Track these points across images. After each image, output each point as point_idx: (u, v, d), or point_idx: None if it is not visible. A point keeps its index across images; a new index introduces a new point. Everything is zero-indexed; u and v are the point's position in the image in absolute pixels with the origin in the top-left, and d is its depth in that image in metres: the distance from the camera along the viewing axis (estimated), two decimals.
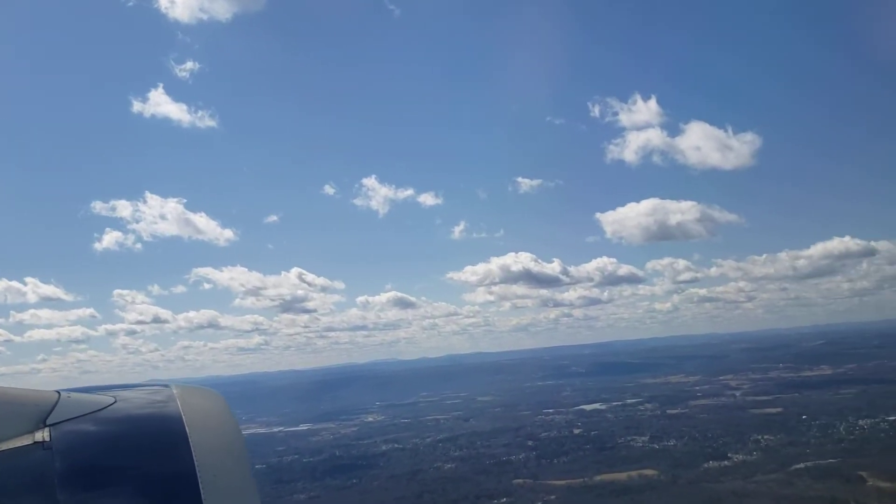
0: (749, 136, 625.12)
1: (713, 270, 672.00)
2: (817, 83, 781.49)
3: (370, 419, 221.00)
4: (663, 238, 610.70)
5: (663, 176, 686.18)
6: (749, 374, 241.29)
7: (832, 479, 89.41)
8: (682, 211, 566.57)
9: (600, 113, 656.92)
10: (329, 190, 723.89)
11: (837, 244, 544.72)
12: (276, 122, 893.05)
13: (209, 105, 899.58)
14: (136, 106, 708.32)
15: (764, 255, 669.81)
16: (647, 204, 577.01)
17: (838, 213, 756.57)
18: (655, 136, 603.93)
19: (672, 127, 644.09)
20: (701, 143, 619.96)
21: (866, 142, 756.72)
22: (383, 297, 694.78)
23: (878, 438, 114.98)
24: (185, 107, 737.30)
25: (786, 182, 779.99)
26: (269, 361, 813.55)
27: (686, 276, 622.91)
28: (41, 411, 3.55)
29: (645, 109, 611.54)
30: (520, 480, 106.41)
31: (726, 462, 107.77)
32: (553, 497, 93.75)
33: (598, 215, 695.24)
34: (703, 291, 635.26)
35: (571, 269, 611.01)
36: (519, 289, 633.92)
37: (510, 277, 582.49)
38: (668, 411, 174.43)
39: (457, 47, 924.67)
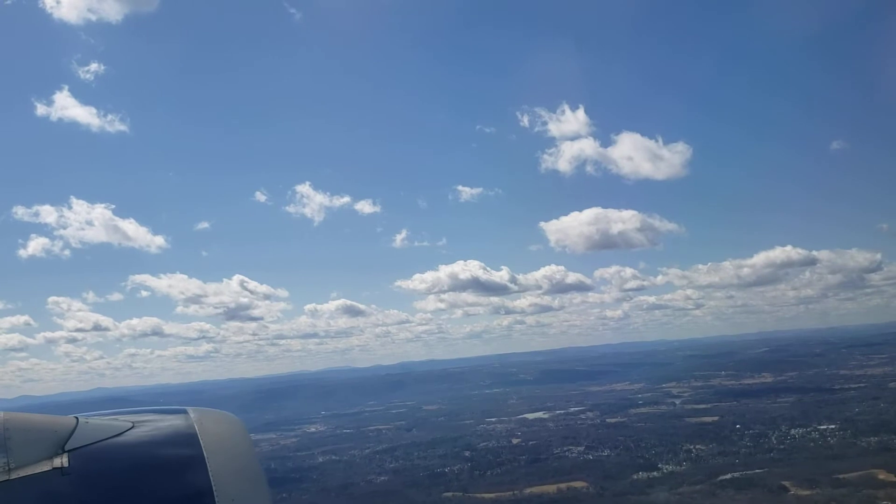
0: (680, 147, 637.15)
1: (659, 279, 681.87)
2: (746, 94, 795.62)
3: (312, 429, 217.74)
4: (606, 247, 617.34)
5: (597, 186, 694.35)
6: (691, 382, 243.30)
7: (755, 490, 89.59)
8: (624, 220, 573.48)
9: (529, 123, 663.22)
10: (260, 197, 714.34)
11: (780, 253, 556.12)
12: (195, 127, 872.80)
13: (119, 108, 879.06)
14: (41, 109, 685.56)
15: (708, 264, 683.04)
16: (590, 213, 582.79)
17: (777, 224, 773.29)
18: (588, 147, 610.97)
19: (603, 137, 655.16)
20: (632, 153, 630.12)
21: (799, 154, 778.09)
22: (332, 304, 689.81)
23: (806, 448, 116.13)
24: (93, 110, 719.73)
25: (721, 192, 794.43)
26: (220, 369, 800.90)
27: (633, 283, 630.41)
28: (60, 437, 3.61)
29: (573, 119, 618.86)
30: (450, 493, 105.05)
31: (655, 473, 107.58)
32: None
33: (541, 224, 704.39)
34: (652, 299, 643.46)
35: (520, 276, 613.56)
36: (468, 297, 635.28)
37: (459, 285, 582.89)
38: (608, 420, 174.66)
39: (380, 54, 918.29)
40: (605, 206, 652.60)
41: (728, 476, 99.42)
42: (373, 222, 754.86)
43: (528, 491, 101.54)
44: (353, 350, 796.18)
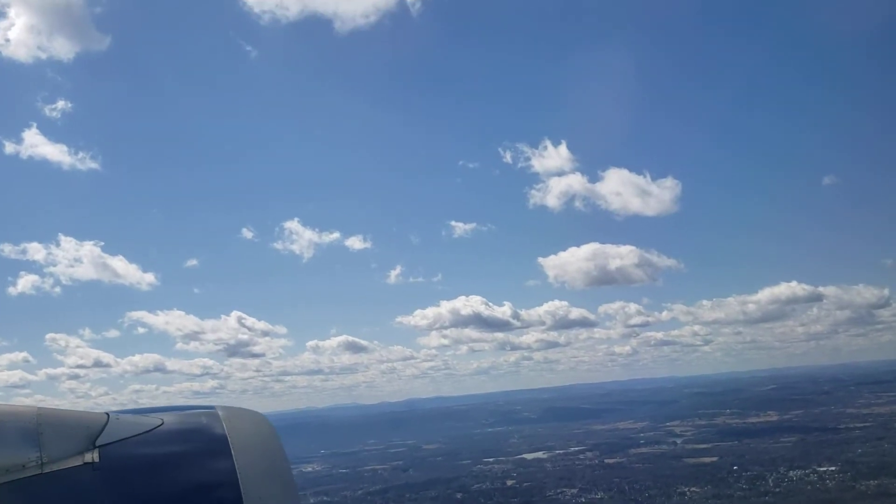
0: (669, 182, 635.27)
1: (664, 314, 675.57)
2: (735, 129, 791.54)
3: (309, 469, 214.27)
4: (605, 282, 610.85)
5: (588, 222, 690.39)
6: (695, 421, 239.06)
7: None
8: (622, 255, 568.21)
9: (512, 158, 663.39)
10: (247, 234, 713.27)
11: (785, 289, 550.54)
12: (169, 166, 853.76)
13: (90, 146, 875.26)
14: (10, 147, 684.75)
15: (713, 300, 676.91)
16: (588, 248, 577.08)
17: (779, 260, 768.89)
18: (576, 182, 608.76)
19: (590, 173, 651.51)
20: (621, 189, 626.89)
21: (795, 189, 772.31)
22: (334, 341, 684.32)
23: (803, 491, 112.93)
24: (64, 147, 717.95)
25: (716, 228, 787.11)
26: (226, 405, 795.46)
27: (638, 319, 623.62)
28: (91, 433, 3.71)
29: (556, 155, 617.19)
30: None
31: None
32: None
33: (539, 259, 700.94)
34: (659, 335, 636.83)
35: (522, 312, 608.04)
36: (472, 332, 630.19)
37: (461, 321, 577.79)
38: (607, 460, 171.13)
39: (354, 90, 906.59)
40: (600, 242, 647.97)
41: None
42: (365, 258, 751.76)
43: None
44: (360, 387, 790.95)
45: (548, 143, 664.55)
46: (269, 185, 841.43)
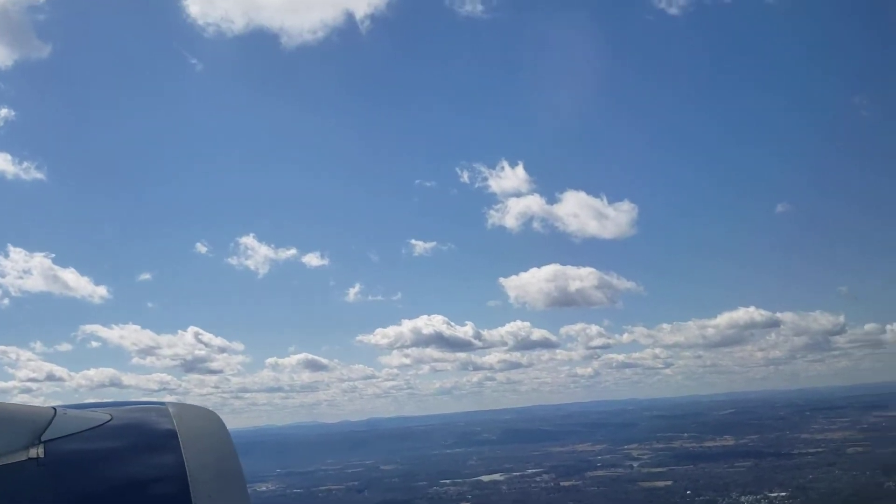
0: (625, 206, 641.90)
1: (625, 337, 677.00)
2: (691, 152, 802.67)
3: (263, 488, 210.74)
4: (566, 304, 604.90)
5: (546, 243, 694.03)
6: (653, 444, 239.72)
7: None
8: (582, 277, 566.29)
9: (469, 178, 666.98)
10: (201, 248, 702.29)
11: (743, 314, 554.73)
12: (116, 178, 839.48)
13: (35, 156, 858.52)
14: None
15: (672, 324, 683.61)
16: (549, 270, 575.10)
17: (736, 285, 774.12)
18: (534, 204, 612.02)
19: (548, 195, 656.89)
20: (578, 211, 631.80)
21: (748, 216, 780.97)
22: (293, 358, 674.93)
23: None
24: (8, 156, 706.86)
25: (673, 252, 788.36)
26: None
27: (599, 341, 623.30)
28: (37, 427, 3.54)
29: (513, 176, 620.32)
30: None
31: None
32: None
33: (501, 280, 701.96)
34: (621, 357, 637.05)
35: (484, 332, 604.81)
36: (433, 352, 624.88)
37: (422, 340, 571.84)
38: (563, 483, 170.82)
39: (305, 104, 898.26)
40: (561, 263, 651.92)
41: None
42: (322, 275, 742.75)
43: None
44: (321, 405, 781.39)
45: (505, 163, 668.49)
46: (224, 199, 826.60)
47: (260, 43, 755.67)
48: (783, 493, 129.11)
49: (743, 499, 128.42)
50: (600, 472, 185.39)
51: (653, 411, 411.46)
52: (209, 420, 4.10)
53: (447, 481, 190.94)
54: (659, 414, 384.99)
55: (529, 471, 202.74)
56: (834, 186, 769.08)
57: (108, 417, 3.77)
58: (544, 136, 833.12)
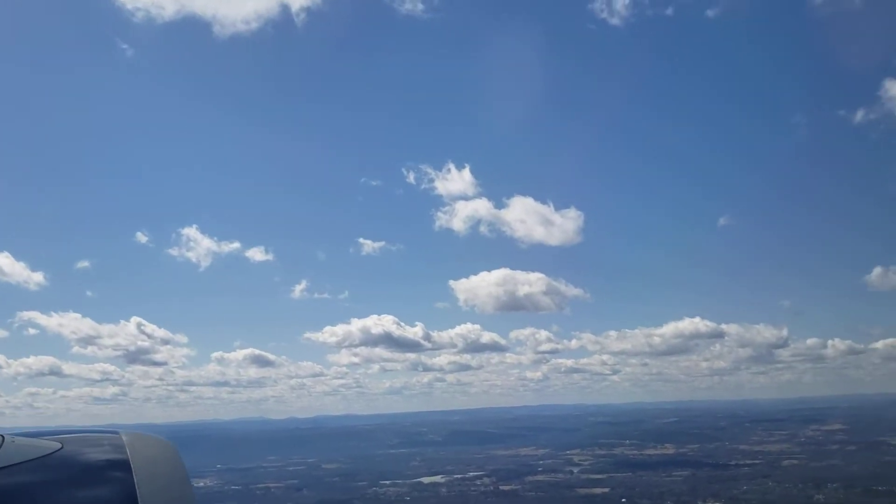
0: (572, 213, 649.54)
1: (573, 343, 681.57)
2: (640, 160, 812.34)
3: (201, 484, 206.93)
4: (514, 308, 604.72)
5: (493, 247, 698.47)
6: (595, 450, 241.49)
7: None
8: (531, 283, 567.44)
9: (416, 179, 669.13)
10: (141, 238, 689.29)
11: (688, 324, 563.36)
12: (54, 162, 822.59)
13: None
14: None
15: (619, 331, 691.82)
16: (498, 274, 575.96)
17: (682, 296, 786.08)
18: (481, 207, 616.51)
19: (496, 199, 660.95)
20: (525, 216, 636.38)
21: (693, 227, 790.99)
22: (239, 353, 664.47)
23: None
24: None
25: (620, 260, 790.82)
26: (129, 413, 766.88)
27: (547, 346, 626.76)
28: None
29: (459, 178, 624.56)
30: None
31: None
32: None
33: (451, 283, 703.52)
34: (569, 362, 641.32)
35: (434, 334, 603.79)
36: (382, 352, 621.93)
37: (371, 340, 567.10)
38: (502, 487, 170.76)
39: (247, 94, 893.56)
40: (511, 268, 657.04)
41: None
42: (267, 271, 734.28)
43: None
44: (268, 401, 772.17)
45: (451, 166, 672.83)
46: (166, 189, 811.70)
47: (192, 30, 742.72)
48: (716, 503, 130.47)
49: None
50: (540, 477, 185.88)
51: (598, 417, 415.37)
52: (163, 449, 4.01)
53: (387, 482, 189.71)
54: (604, 420, 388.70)
55: (471, 473, 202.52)
56: (776, 201, 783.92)
57: (59, 446, 3.63)
58: (491, 141, 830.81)
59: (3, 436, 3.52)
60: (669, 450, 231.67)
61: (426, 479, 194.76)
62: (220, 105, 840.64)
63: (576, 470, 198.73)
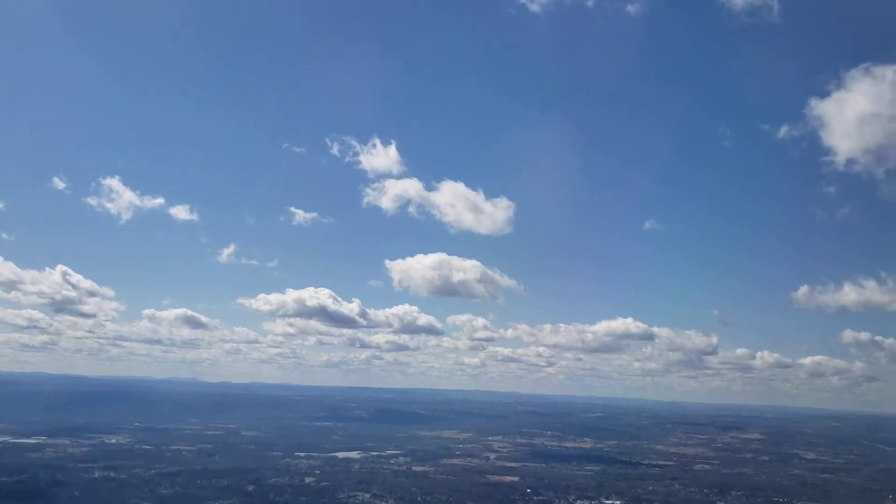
0: (503, 202, 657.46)
1: (509, 332, 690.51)
2: (569, 156, 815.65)
3: (112, 440, 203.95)
4: (449, 293, 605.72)
5: (421, 229, 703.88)
6: (516, 438, 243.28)
7: None
8: (466, 269, 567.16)
9: (340, 151, 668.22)
10: (58, 183, 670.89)
11: (620, 324, 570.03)
12: None
13: None
14: None
15: (556, 325, 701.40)
16: (435, 258, 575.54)
17: (615, 295, 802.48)
18: (411, 188, 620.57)
19: (425, 181, 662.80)
20: (455, 202, 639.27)
21: (626, 226, 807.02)
22: (171, 312, 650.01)
23: None
24: None
25: (552, 255, 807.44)
26: (59, 363, 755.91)
27: (483, 334, 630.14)
28: None
29: (385, 155, 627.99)
30: None
31: None
32: None
33: (386, 262, 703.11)
34: (507, 351, 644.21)
35: (370, 311, 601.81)
36: (317, 325, 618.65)
37: (306, 312, 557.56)
38: (415, 468, 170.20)
39: (168, 55, 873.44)
40: (438, 252, 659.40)
41: None
42: (193, 231, 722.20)
43: None
44: (203, 363, 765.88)
45: (377, 141, 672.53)
46: (86, 134, 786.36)
47: None
48: (617, 501, 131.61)
49: (578, 503, 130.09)
50: (455, 461, 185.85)
51: (528, 406, 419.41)
52: None
53: (302, 454, 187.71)
54: (532, 410, 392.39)
55: (388, 452, 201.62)
56: (700, 210, 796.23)
57: None
58: (419, 121, 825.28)
59: None
60: (587, 444, 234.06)
61: (341, 454, 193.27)
62: (145, 63, 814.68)
63: (492, 456, 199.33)
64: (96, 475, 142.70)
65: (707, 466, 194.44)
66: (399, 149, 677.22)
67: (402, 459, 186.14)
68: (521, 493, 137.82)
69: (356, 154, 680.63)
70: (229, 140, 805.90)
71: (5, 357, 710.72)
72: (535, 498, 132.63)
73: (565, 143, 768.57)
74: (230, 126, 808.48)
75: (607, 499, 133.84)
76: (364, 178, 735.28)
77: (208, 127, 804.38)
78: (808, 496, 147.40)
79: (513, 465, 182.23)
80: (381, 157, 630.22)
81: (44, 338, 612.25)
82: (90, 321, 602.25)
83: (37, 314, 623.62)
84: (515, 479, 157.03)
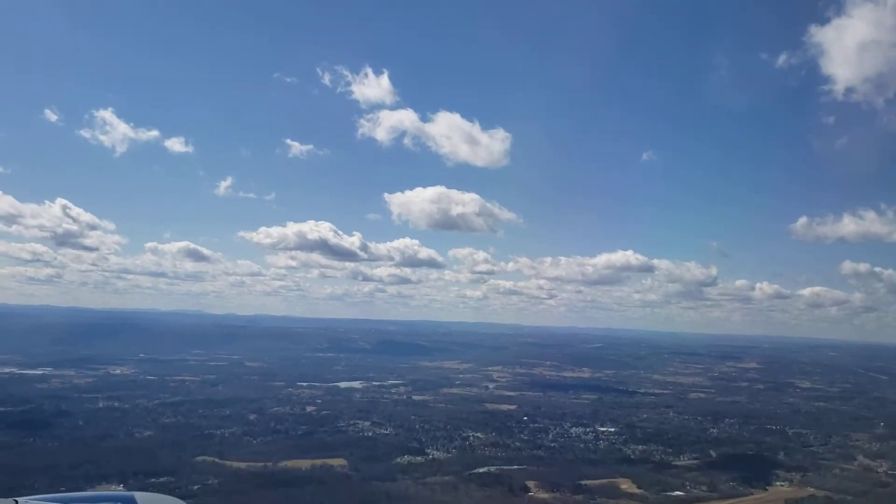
0: (500, 133, 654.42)
1: (510, 266, 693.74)
2: (565, 88, 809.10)
3: (117, 371, 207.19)
4: (448, 227, 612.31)
5: (418, 162, 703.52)
6: (515, 369, 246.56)
7: (496, 488, 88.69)
8: (465, 203, 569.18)
9: (331, 81, 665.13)
10: (50, 115, 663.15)
11: (620, 257, 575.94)
12: None
13: None
14: None
15: (556, 258, 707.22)
16: (433, 191, 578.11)
17: (614, 228, 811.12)
18: (406, 119, 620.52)
19: (420, 112, 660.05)
20: (451, 133, 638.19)
21: (623, 157, 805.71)
22: (174, 245, 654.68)
23: (574, 448, 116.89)
24: None
25: (550, 187, 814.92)
26: (66, 296, 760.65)
27: (484, 267, 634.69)
28: None
29: (377, 85, 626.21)
30: (202, 458, 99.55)
31: (418, 458, 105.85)
32: (217, 481, 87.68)
33: (385, 195, 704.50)
34: (508, 284, 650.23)
35: (371, 245, 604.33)
36: (318, 258, 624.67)
37: (307, 245, 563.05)
38: (415, 397, 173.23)
39: None
40: (437, 185, 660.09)
41: (483, 469, 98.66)
42: (188, 164, 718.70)
43: (281, 464, 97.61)
44: (208, 296, 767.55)
45: (368, 70, 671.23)
46: (77, 67, 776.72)
47: None
48: (612, 429, 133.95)
49: (574, 430, 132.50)
50: (455, 390, 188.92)
51: (529, 338, 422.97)
52: None
53: (304, 384, 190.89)
54: (533, 341, 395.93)
55: (389, 382, 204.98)
56: (698, 141, 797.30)
57: None
58: (412, 51, 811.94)
59: (16, 500, 3.02)
60: (586, 373, 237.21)
61: (343, 384, 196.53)
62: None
63: (491, 386, 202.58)
64: (100, 405, 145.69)
65: (702, 395, 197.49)
66: (391, 79, 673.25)
67: (402, 389, 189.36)
68: (518, 420, 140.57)
69: (348, 84, 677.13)
70: (220, 70, 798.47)
71: (12, 290, 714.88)
72: (531, 425, 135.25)
73: (561, 74, 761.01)
74: (220, 56, 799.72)
75: (602, 426, 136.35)
76: (357, 109, 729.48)
77: (198, 57, 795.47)
78: (801, 423, 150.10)
79: (511, 394, 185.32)
80: (373, 86, 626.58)
81: (49, 271, 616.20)
82: (93, 254, 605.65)
83: (40, 247, 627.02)
84: (513, 407, 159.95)
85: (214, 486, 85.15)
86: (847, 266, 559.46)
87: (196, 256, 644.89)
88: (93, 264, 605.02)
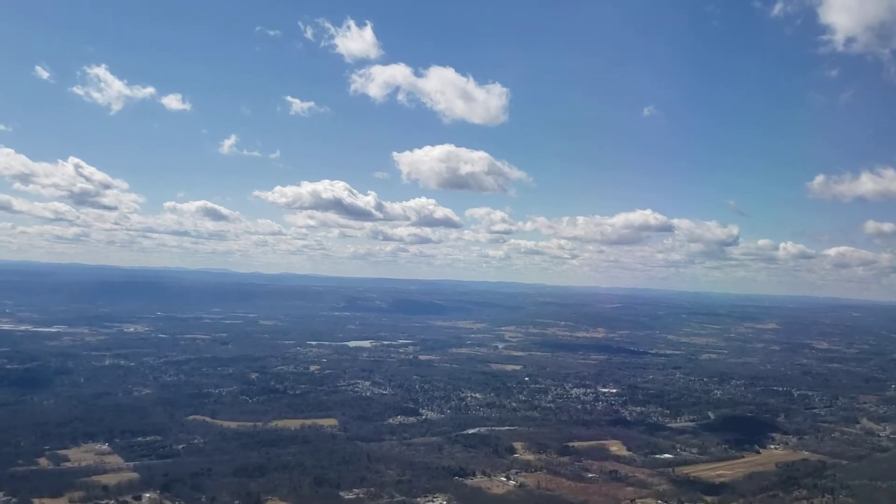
0: (496, 88, 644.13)
1: (528, 225, 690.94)
2: (566, 43, 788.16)
3: (131, 329, 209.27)
4: (458, 186, 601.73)
5: (412, 118, 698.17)
6: (528, 329, 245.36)
7: (483, 448, 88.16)
8: (474, 161, 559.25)
9: (314, 36, 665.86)
10: (41, 73, 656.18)
11: (639, 216, 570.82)
12: None
13: None
14: None
15: (574, 217, 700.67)
16: (442, 149, 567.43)
17: (633, 186, 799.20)
18: (398, 74, 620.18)
19: (411, 66, 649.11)
20: (444, 88, 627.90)
21: (623, 116, 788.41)
22: (192, 204, 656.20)
23: (568, 409, 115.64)
24: None
25: (553, 144, 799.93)
26: (95, 254, 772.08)
27: (501, 226, 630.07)
28: None
29: (360, 38, 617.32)
30: (193, 417, 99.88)
31: (411, 419, 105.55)
32: (203, 440, 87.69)
33: (394, 154, 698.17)
34: (530, 244, 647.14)
35: (386, 204, 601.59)
36: (335, 217, 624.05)
37: (322, 205, 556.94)
38: (421, 357, 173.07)
39: None
40: (445, 143, 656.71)
41: (473, 430, 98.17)
42: (188, 122, 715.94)
43: (271, 424, 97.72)
44: (234, 255, 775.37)
45: (351, 22, 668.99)
46: (67, 22, 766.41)
47: None
48: (614, 390, 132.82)
49: (574, 391, 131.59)
50: (464, 350, 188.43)
51: (548, 298, 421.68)
52: None
53: (314, 343, 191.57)
54: (552, 301, 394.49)
55: (399, 341, 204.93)
56: (697, 95, 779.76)
57: None
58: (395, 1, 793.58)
59: None
60: (599, 334, 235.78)
61: (353, 343, 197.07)
62: None
63: (501, 346, 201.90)
64: (106, 363, 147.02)
65: (714, 356, 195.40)
66: (375, 31, 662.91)
67: (410, 349, 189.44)
68: (519, 381, 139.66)
69: (331, 38, 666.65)
70: (204, 24, 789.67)
71: (41, 249, 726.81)
72: (531, 386, 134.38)
73: (558, 25, 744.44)
74: (202, 9, 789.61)
75: (603, 387, 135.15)
76: (343, 64, 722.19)
77: (181, 10, 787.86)
78: (808, 385, 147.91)
79: (519, 353, 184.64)
80: (356, 39, 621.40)
81: (75, 230, 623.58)
82: (114, 213, 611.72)
83: (62, 206, 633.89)
84: (518, 367, 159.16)
85: (199, 446, 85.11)
86: (871, 225, 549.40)
87: (215, 215, 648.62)
88: (115, 223, 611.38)
